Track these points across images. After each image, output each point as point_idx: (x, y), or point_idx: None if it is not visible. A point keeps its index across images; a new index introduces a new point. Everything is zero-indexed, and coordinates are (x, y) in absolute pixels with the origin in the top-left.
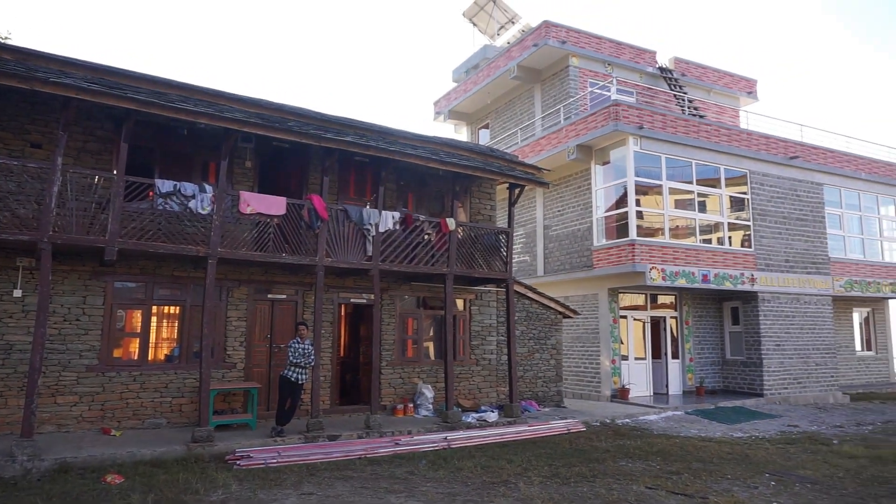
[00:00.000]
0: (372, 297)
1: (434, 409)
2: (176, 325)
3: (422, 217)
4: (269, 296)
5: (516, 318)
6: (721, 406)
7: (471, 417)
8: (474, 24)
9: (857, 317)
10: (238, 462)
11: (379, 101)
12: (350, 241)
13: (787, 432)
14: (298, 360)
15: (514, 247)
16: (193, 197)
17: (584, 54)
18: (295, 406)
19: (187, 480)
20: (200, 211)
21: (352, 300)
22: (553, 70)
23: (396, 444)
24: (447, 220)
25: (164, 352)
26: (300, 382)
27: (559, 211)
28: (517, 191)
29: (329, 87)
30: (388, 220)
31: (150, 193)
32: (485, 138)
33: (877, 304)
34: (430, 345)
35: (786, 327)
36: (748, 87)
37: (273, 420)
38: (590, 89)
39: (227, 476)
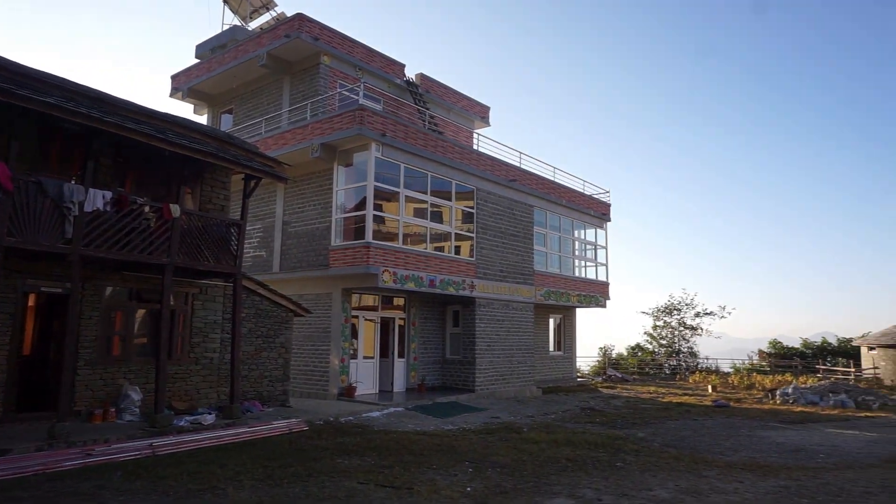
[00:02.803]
0: (70, 285)
1: (142, 413)
2: None
3: (140, 200)
4: None
5: (245, 315)
6: (438, 402)
7: (184, 421)
8: (226, 2)
9: (552, 322)
10: None
11: (110, 70)
12: (44, 219)
13: (489, 423)
14: None
15: (250, 241)
16: None
17: (336, 54)
18: None
19: None
20: None
21: (43, 289)
22: (304, 65)
23: (89, 454)
24: (171, 206)
25: None
26: None
27: (300, 208)
28: (253, 182)
29: (47, 45)
30: (96, 199)
31: None
32: (227, 124)
33: (567, 312)
34: (143, 342)
35: (496, 330)
36: (483, 113)
37: None
38: (339, 90)
39: None
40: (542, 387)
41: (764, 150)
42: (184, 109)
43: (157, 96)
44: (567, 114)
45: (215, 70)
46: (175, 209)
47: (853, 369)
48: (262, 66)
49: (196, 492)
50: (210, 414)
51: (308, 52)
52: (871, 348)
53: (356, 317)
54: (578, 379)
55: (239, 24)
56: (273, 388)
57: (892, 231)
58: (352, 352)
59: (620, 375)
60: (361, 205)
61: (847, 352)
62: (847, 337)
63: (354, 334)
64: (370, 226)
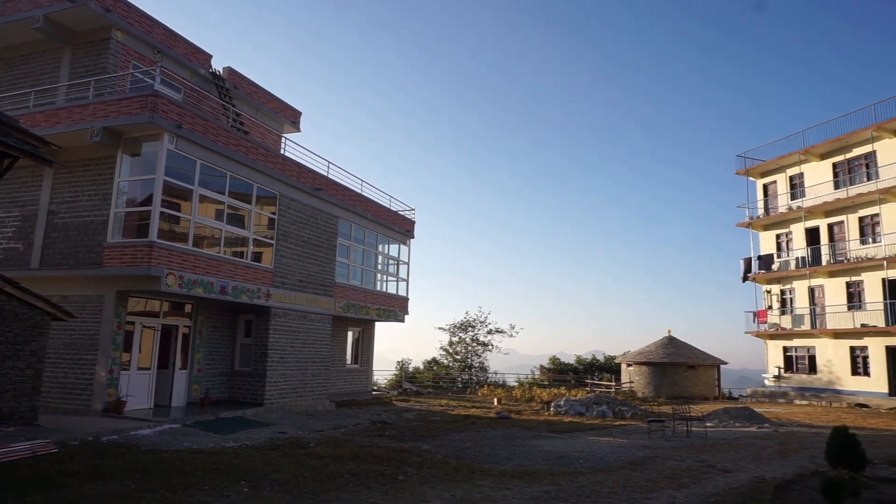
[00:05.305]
0: None
1: None
2: None
3: None
4: None
5: None
6: (221, 417)
7: None
8: None
9: (350, 335)
10: None
11: None
12: None
13: (275, 439)
14: None
15: (2, 231)
16: None
17: (131, 31)
18: None
19: None
20: None
21: None
22: (91, 37)
23: None
24: None
25: None
26: None
27: (72, 197)
28: (7, 162)
29: None
30: None
31: None
32: None
33: (366, 325)
34: None
35: (291, 341)
36: (293, 117)
37: None
38: (131, 71)
39: None
40: (337, 400)
41: (550, 171)
42: None
43: None
44: (381, 131)
45: None
46: None
47: (614, 383)
48: (37, 29)
49: None
50: None
51: (96, 24)
52: (629, 365)
53: (132, 323)
54: (374, 392)
55: None
56: (17, 403)
57: (655, 257)
58: (124, 362)
59: (415, 389)
60: (148, 200)
61: (611, 367)
62: (612, 354)
63: (129, 343)
64: (156, 223)
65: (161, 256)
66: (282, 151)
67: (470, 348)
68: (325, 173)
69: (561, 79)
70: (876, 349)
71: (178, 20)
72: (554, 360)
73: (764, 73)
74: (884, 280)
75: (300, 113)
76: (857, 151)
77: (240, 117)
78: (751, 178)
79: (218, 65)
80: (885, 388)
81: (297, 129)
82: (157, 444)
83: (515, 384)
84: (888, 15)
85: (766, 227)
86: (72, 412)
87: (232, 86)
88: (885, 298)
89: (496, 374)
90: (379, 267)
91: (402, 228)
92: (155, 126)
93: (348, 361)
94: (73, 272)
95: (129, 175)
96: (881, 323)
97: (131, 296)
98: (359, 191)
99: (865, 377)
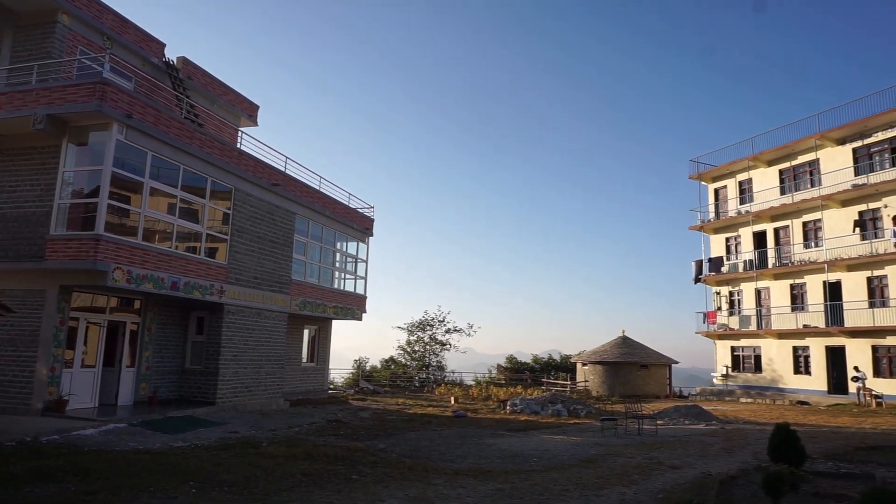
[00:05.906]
0: None
1: None
2: None
3: None
4: None
5: None
6: (170, 416)
7: None
8: None
9: (307, 333)
10: None
11: None
12: None
13: (226, 439)
14: None
15: None
16: None
17: (79, 16)
18: None
19: None
20: None
21: None
22: (34, 20)
23: None
24: None
25: None
26: None
27: (11, 186)
28: None
29: None
30: None
31: None
32: None
33: (323, 323)
34: None
35: (245, 339)
36: (250, 111)
37: None
38: (79, 57)
39: None
40: (292, 399)
41: (506, 174)
42: None
43: None
44: (340, 128)
45: None
46: None
47: (569, 382)
48: None
49: None
50: None
51: (41, 6)
52: (584, 364)
53: (76, 319)
54: (330, 391)
55: None
56: None
57: (611, 259)
58: (67, 360)
59: (372, 388)
60: (95, 192)
61: (567, 367)
62: (568, 354)
63: (73, 339)
64: (103, 216)
65: (108, 250)
66: (238, 145)
67: (428, 347)
68: (282, 169)
69: (518, 81)
70: (816, 349)
71: (130, 7)
72: (511, 359)
73: (713, 87)
74: (825, 283)
75: (258, 107)
76: (801, 159)
77: (194, 109)
78: (703, 183)
79: (172, 54)
80: (824, 387)
81: (255, 123)
82: (101, 444)
83: (472, 383)
84: (831, 32)
85: (717, 231)
86: (10, 411)
87: (186, 76)
88: (825, 300)
89: (454, 372)
90: (337, 265)
91: (360, 226)
92: (103, 115)
93: (304, 360)
94: (13, 265)
95: (75, 165)
96: (822, 324)
97: (76, 290)
98: (317, 187)
99: (807, 376)
